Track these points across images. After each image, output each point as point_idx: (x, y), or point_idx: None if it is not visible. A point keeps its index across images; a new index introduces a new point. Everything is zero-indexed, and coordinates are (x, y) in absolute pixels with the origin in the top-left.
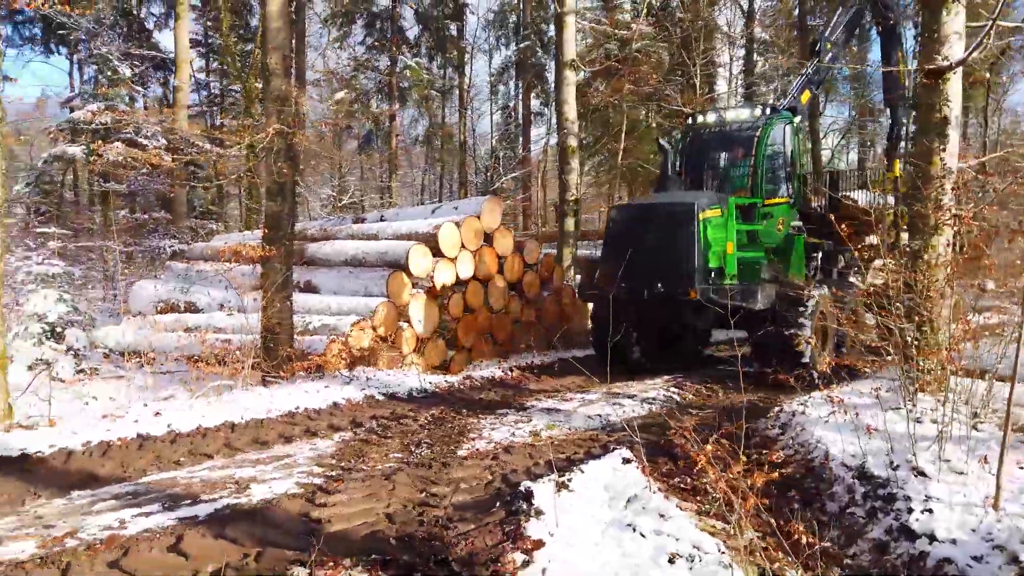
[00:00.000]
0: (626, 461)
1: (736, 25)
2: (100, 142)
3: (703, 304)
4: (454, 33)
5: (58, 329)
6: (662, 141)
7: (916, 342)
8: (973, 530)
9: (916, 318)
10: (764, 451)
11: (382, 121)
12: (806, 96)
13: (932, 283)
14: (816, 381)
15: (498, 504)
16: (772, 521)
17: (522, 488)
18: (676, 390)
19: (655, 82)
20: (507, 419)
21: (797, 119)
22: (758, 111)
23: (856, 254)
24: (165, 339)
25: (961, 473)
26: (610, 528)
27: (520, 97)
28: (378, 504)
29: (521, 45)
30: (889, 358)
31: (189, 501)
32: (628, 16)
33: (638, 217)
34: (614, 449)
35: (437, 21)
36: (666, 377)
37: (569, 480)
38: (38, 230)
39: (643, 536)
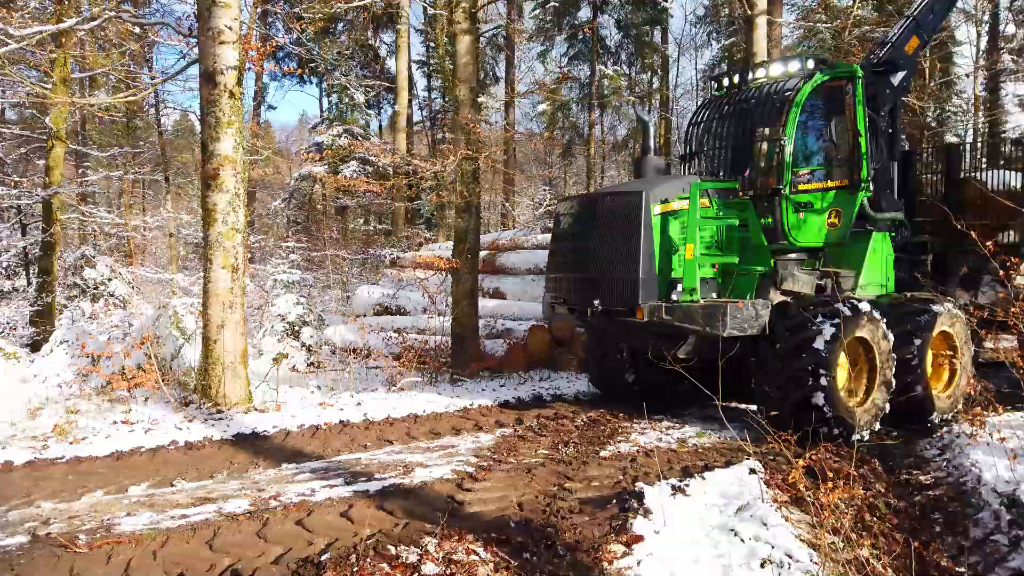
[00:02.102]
0: (752, 472)
1: None
2: (322, 173)
3: (667, 325)
4: (657, 37)
5: (296, 328)
6: (640, 112)
7: None
8: None
9: None
10: (914, 471)
11: (582, 128)
12: (913, 44)
13: None
14: (838, 433)
15: (615, 502)
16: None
17: (635, 488)
18: None
19: None
20: (660, 424)
21: (899, 75)
22: (795, 64)
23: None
24: (376, 338)
25: None
26: (713, 531)
27: None
28: (514, 493)
29: (726, 41)
30: None
31: (365, 478)
32: (845, 2)
33: (582, 213)
34: (745, 460)
35: (637, 27)
36: None
37: (686, 485)
38: (283, 244)
39: (742, 541)
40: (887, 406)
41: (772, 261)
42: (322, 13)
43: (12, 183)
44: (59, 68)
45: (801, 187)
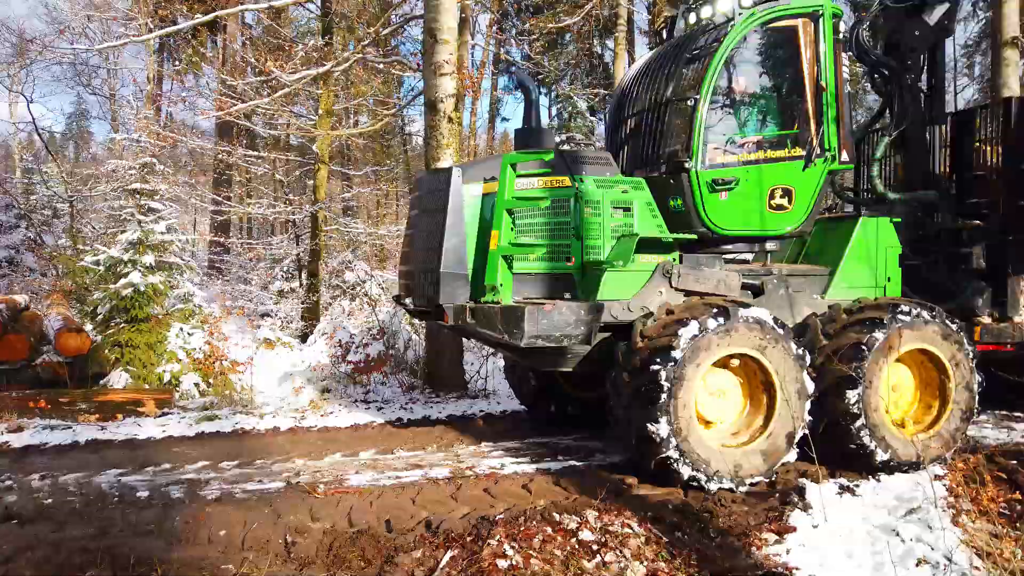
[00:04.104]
0: (937, 478)
1: None
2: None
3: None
4: None
5: None
6: (521, 76)
7: None
8: None
9: None
10: None
11: None
12: None
13: None
14: (696, 484)
15: (777, 495)
16: None
17: (798, 484)
18: None
19: None
20: None
21: (936, 12)
22: (726, 3)
23: None
24: None
25: None
26: (875, 530)
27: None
28: None
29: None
30: None
31: (550, 458)
32: None
33: (416, 195)
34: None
35: None
36: None
37: (856, 486)
38: None
39: (902, 541)
40: (791, 448)
41: (678, 255)
42: (541, 28)
43: (287, 201)
44: (323, 102)
45: (720, 159)
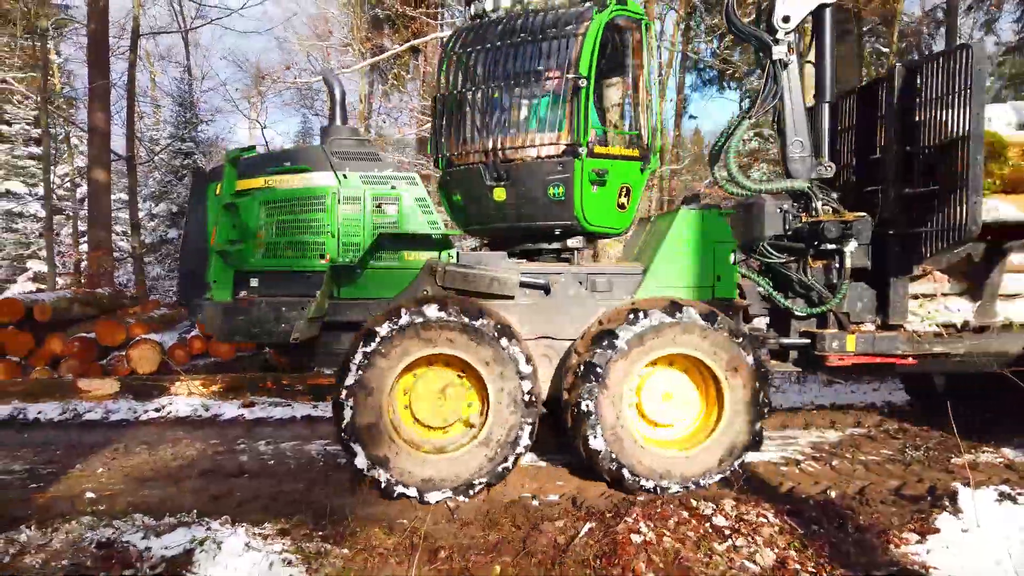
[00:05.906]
0: None
1: None
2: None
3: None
4: None
5: None
6: (326, 74)
7: None
8: None
9: None
10: None
11: None
12: None
13: None
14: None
15: (928, 499)
16: None
17: (950, 488)
18: None
19: None
20: None
21: None
22: None
23: None
24: None
25: None
26: None
27: None
28: (828, 482)
29: None
30: None
31: None
32: None
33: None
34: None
35: None
36: None
37: (1019, 494)
38: None
39: None
40: (509, 457)
41: (456, 252)
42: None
43: None
44: None
45: (597, 150)
